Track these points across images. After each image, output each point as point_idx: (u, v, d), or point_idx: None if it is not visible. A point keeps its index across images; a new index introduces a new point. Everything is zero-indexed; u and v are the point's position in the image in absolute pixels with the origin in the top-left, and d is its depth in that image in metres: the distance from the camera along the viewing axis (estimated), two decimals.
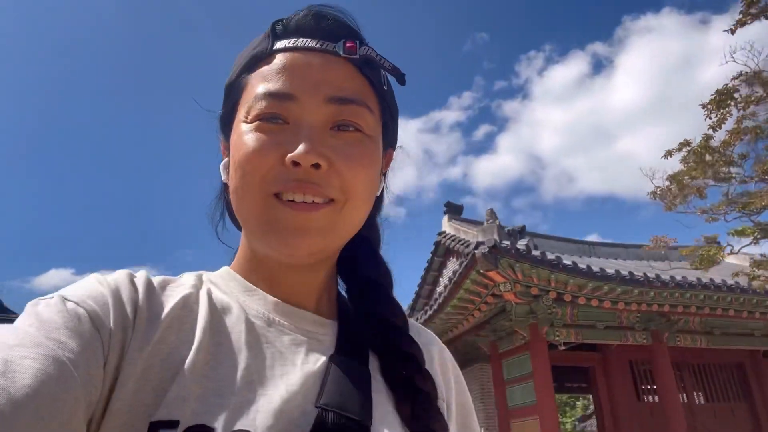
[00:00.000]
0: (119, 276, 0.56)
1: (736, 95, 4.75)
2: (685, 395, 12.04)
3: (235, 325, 0.56)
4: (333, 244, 0.59)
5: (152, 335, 0.52)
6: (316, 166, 0.54)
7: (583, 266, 8.82)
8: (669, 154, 5.43)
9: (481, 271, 8.38)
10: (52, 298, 0.50)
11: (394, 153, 0.71)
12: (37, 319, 0.47)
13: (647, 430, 11.03)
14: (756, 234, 4.89)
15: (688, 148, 5.49)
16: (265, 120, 0.56)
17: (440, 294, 10.29)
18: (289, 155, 0.54)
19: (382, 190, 0.68)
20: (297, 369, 0.56)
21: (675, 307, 9.61)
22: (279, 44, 0.59)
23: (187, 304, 0.56)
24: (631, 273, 9.01)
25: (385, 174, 0.68)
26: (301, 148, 0.53)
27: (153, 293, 0.55)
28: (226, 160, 0.63)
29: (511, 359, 10.44)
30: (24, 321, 0.48)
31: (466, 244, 12.22)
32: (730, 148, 5.09)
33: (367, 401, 0.55)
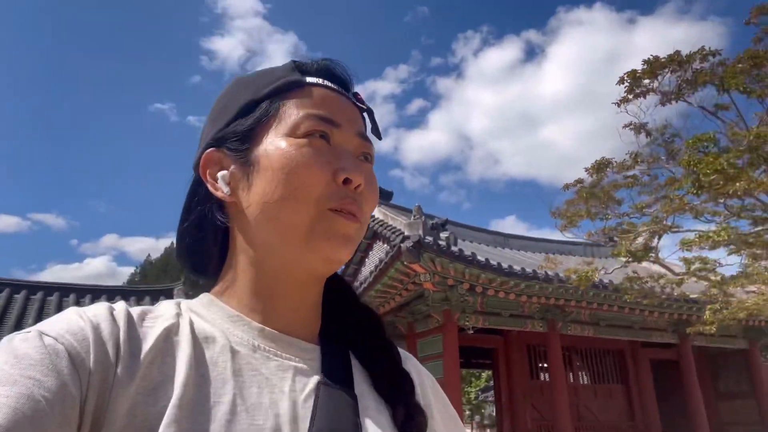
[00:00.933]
0: (99, 311, 0.54)
1: (612, 162, 5.79)
2: (572, 376, 13.77)
3: (219, 355, 0.56)
4: (351, 255, 0.62)
5: (136, 372, 0.50)
6: (358, 187, 0.61)
7: (494, 263, 9.94)
8: (566, 187, 6.43)
9: (405, 263, 9.33)
10: (30, 332, 0.49)
11: None
12: (13, 355, 0.46)
13: (537, 404, 12.62)
14: (628, 258, 6.02)
15: (581, 185, 6.59)
16: (315, 137, 0.60)
17: (365, 279, 11.19)
18: (345, 173, 0.59)
19: None
20: (285, 396, 0.56)
21: (568, 301, 11.07)
22: (310, 79, 0.65)
23: (169, 337, 0.55)
24: (534, 270, 10.25)
25: None
26: (354, 170, 0.60)
27: (133, 327, 0.54)
28: (225, 172, 0.63)
29: (426, 339, 11.56)
30: (0, 357, 0.46)
31: (393, 230, 13.18)
32: (610, 191, 6.18)
33: (357, 426, 0.56)
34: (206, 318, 0.60)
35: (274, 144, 0.60)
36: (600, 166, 5.74)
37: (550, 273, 10.13)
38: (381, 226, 14.05)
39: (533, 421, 12.58)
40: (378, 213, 14.98)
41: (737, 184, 4.10)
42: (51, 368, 0.46)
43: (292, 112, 0.62)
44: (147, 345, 0.53)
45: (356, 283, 14.40)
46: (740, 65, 4.63)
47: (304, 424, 0.54)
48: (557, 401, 11.47)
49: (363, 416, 0.58)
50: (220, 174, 0.63)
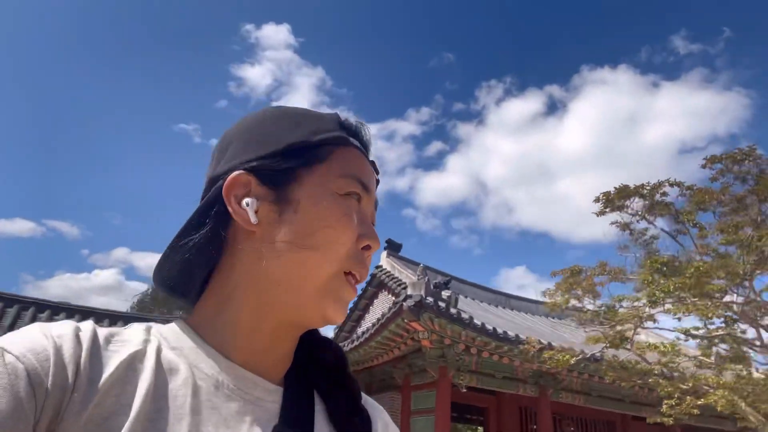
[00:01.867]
0: (64, 330, 0.52)
1: (583, 271, 6.47)
2: None
3: (180, 389, 0.54)
4: None
5: (91, 398, 0.49)
6: (371, 254, 0.64)
7: (489, 327, 10.45)
8: (554, 274, 7.07)
9: (406, 321, 9.90)
10: None
11: None
12: None
13: None
14: (606, 342, 6.54)
15: (563, 275, 7.25)
16: (353, 198, 0.64)
17: (368, 329, 11.73)
18: (367, 240, 0.63)
19: None
20: None
21: (560, 370, 11.45)
22: (353, 140, 0.68)
23: (132, 364, 0.54)
24: (528, 337, 10.72)
25: None
26: (375, 238, 0.63)
27: (97, 351, 0.53)
28: (253, 199, 0.61)
29: (420, 393, 11.98)
30: None
31: (398, 282, 13.81)
32: (591, 283, 6.80)
33: None
34: (174, 346, 0.58)
35: (319, 192, 0.61)
36: (573, 273, 6.38)
37: (543, 341, 10.60)
38: (388, 277, 14.72)
39: None
40: (386, 264, 15.66)
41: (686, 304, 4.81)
42: (9, 388, 0.45)
43: (339, 168, 0.63)
44: (108, 371, 0.51)
45: (360, 330, 14.95)
46: (696, 199, 5.39)
47: None
48: None
49: None
50: (248, 200, 0.60)
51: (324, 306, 0.59)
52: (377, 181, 0.70)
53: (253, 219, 0.60)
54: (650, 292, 5.50)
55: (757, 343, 5.77)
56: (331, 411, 0.64)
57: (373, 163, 0.70)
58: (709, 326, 6.29)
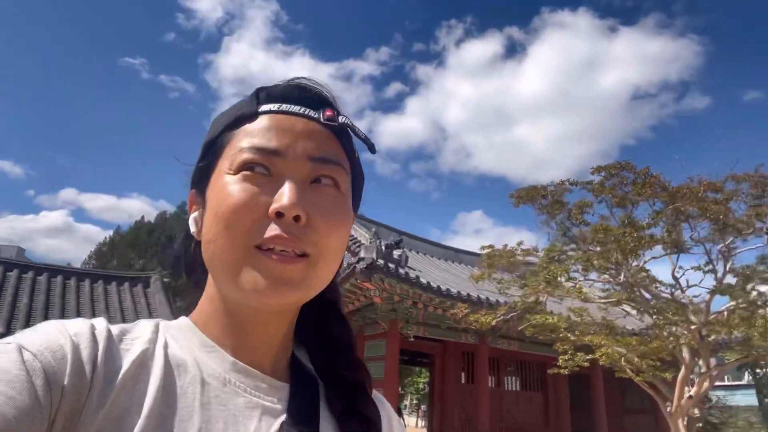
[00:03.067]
0: (81, 329, 0.53)
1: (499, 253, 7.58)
2: (498, 383, 15.71)
3: (189, 385, 0.55)
4: (305, 297, 0.58)
5: (108, 396, 0.50)
6: (297, 218, 0.55)
7: (434, 285, 11.64)
8: (483, 248, 8.09)
9: (358, 281, 10.96)
10: (9, 344, 0.49)
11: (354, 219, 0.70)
12: None
13: (464, 405, 14.51)
14: (522, 306, 7.80)
15: (489, 250, 8.37)
16: (249, 170, 0.57)
17: None
18: (273, 206, 0.55)
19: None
20: None
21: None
22: (264, 107, 0.61)
23: (143, 362, 0.55)
24: (468, 294, 11.99)
25: None
26: (285, 200, 0.55)
27: (112, 349, 0.54)
28: (196, 213, 0.63)
29: (372, 342, 13.25)
30: None
31: (354, 241, 14.84)
32: (510, 259, 7.96)
33: None
34: (182, 344, 0.59)
35: (215, 183, 0.59)
36: (490, 256, 7.53)
37: (482, 297, 11.88)
38: None
39: (459, 420, 14.46)
40: None
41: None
42: (26, 386, 0.45)
43: (233, 146, 0.59)
44: (122, 370, 0.53)
45: None
46: (580, 203, 6.76)
47: None
48: (480, 404, 13.36)
49: None
50: (192, 215, 0.63)
51: (245, 287, 0.55)
52: (345, 126, 0.62)
53: (193, 230, 0.63)
54: (543, 277, 6.79)
55: (634, 312, 7.11)
56: (334, 406, 0.63)
57: (327, 110, 0.62)
58: (599, 295, 7.75)
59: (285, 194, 0.56)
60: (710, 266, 7.03)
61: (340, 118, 0.62)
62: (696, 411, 7.47)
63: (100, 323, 0.56)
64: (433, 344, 14.53)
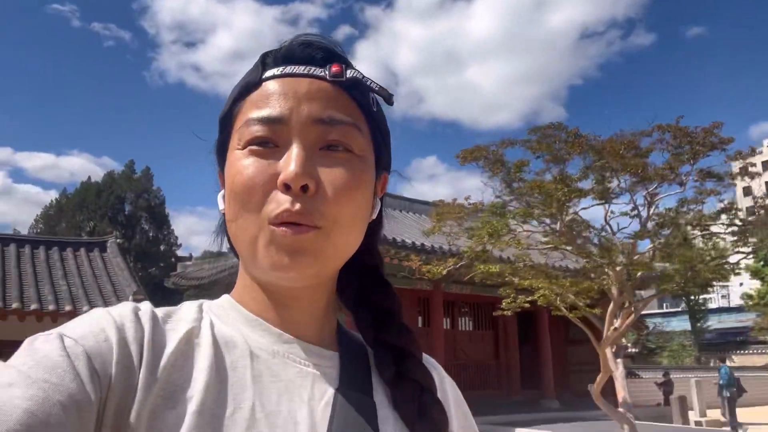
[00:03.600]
0: (124, 311, 0.54)
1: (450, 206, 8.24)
2: (452, 324, 16.77)
3: (239, 360, 0.56)
4: (325, 268, 0.57)
5: (158, 376, 0.51)
6: (305, 188, 0.53)
7: (389, 237, 12.23)
8: (434, 204, 8.65)
9: None
10: (51, 334, 0.49)
11: (389, 177, 0.70)
12: (33, 357, 0.46)
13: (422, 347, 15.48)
14: (472, 258, 8.51)
15: (440, 204, 9.03)
16: (256, 144, 0.56)
17: None
18: (280, 178, 0.54)
19: (380, 215, 0.66)
20: (304, 405, 0.55)
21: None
22: (268, 73, 0.59)
23: (190, 340, 0.55)
24: (422, 243, 12.66)
25: (382, 198, 0.66)
26: (290, 170, 0.53)
27: (158, 329, 0.54)
28: (223, 190, 0.61)
29: None
30: (19, 358, 0.47)
31: None
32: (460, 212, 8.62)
33: None
34: (226, 322, 0.59)
35: (230, 159, 0.58)
36: (472, 153, 8.15)
37: (435, 246, 12.57)
38: None
39: None
40: None
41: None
42: (69, 371, 0.46)
43: (241, 120, 0.58)
44: (170, 348, 0.53)
45: None
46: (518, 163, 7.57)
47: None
48: (435, 345, 14.33)
49: (382, 425, 0.58)
50: (220, 194, 0.62)
51: (263, 264, 0.55)
52: (350, 79, 0.58)
53: (221, 207, 0.62)
54: (486, 231, 7.54)
55: (572, 257, 7.94)
56: (384, 373, 0.62)
57: (333, 66, 0.58)
58: (540, 240, 8.61)
59: (290, 164, 0.54)
60: (636, 212, 7.92)
61: (348, 72, 0.58)
62: (623, 340, 8.45)
63: (145, 306, 0.57)
64: None
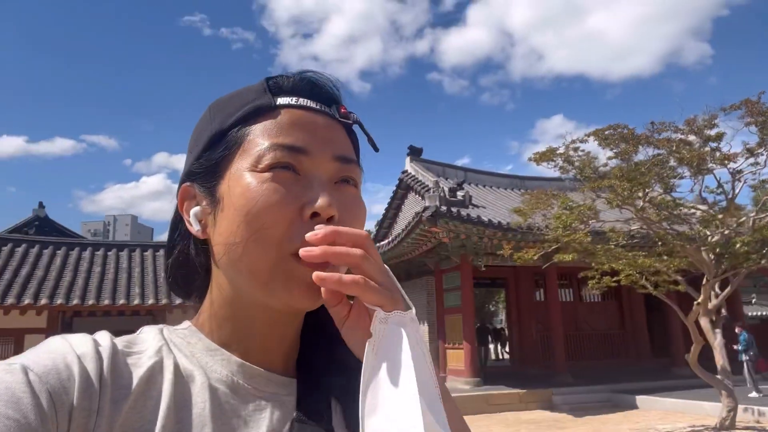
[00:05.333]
0: (86, 348, 0.52)
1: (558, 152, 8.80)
2: (574, 297, 17.15)
3: (198, 395, 0.54)
4: None
5: (117, 418, 0.49)
6: (331, 219, 0.54)
7: (495, 221, 13.05)
8: (533, 159, 9.24)
9: (426, 227, 12.61)
10: (14, 365, 0.48)
11: None
12: None
13: (538, 317, 16.19)
14: (565, 235, 9.08)
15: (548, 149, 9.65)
16: (280, 169, 0.55)
17: (398, 234, 14.56)
18: (311, 208, 0.53)
19: None
20: None
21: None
22: (281, 101, 0.58)
23: (152, 377, 0.53)
24: (528, 226, 13.28)
25: None
26: (321, 200, 0.53)
27: (118, 366, 0.52)
28: (197, 209, 0.60)
29: (449, 274, 15.04)
30: None
31: (422, 185, 16.46)
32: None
33: None
34: (186, 352, 0.58)
35: (237, 180, 0.56)
36: (545, 155, 8.73)
37: (542, 226, 13.17)
38: (413, 180, 17.40)
39: (537, 332, 16.19)
40: (410, 168, 18.19)
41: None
42: (32, 408, 0.44)
43: (256, 142, 0.56)
44: (130, 387, 0.51)
45: (395, 228, 17.92)
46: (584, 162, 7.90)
47: None
48: (553, 317, 14.94)
49: None
50: (192, 210, 0.60)
51: (278, 296, 0.54)
52: (356, 123, 0.61)
53: (196, 228, 0.60)
54: (560, 222, 8.22)
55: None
56: (319, 360, 0.63)
57: (340, 107, 0.61)
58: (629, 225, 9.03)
59: (320, 195, 0.54)
60: (720, 189, 8.13)
61: (351, 115, 0.61)
62: (723, 311, 8.64)
63: (104, 339, 0.54)
64: (506, 269, 16.08)
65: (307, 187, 0.55)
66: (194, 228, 0.60)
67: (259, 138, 0.57)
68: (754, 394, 11.03)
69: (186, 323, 0.63)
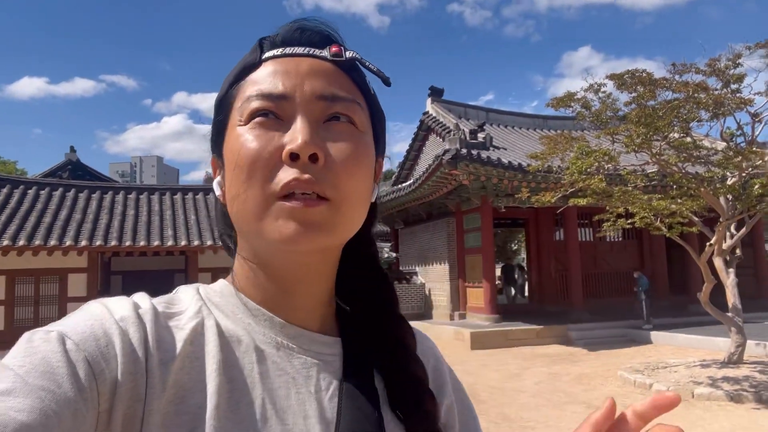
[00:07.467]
0: (126, 312, 0.52)
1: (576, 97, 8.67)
2: (594, 236, 17.32)
3: (245, 356, 0.55)
4: (333, 241, 0.55)
5: (167, 380, 0.49)
6: (314, 157, 0.52)
7: (515, 163, 13.15)
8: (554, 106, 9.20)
9: (446, 170, 12.79)
10: (51, 332, 0.47)
11: (383, 161, 0.68)
12: (31, 358, 0.44)
13: (557, 256, 16.49)
14: (582, 178, 9.17)
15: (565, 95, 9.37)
16: (260, 116, 0.55)
17: (419, 177, 14.77)
18: (287, 147, 0.52)
19: (374, 204, 0.65)
20: (312, 397, 0.56)
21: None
22: (268, 54, 0.59)
23: (196, 338, 0.54)
24: (548, 166, 13.33)
25: (377, 183, 0.64)
26: (298, 139, 0.52)
27: (161, 329, 0.53)
28: (219, 177, 0.61)
29: (469, 215, 15.32)
30: (16, 358, 0.45)
31: (443, 127, 16.52)
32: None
33: (380, 424, 0.57)
34: (228, 313, 0.58)
35: (231, 136, 0.57)
36: (562, 101, 8.72)
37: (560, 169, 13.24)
38: (433, 122, 17.51)
39: (555, 270, 16.53)
40: (431, 110, 18.21)
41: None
42: (68, 379, 0.44)
43: (240, 99, 0.57)
44: (176, 349, 0.52)
45: (417, 170, 18.12)
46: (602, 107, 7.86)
47: (331, 426, 0.55)
48: (570, 257, 15.24)
49: (384, 414, 0.59)
50: (216, 180, 0.62)
51: (271, 236, 0.53)
52: (353, 60, 0.59)
53: (218, 193, 0.61)
54: (576, 168, 8.28)
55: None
56: (392, 389, 0.62)
57: (333, 46, 0.59)
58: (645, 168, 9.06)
59: (297, 134, 0.53)
60: (740, 131, 8.09)
61: (347, 53, 0.59)
62: (738, 251, 8.80)
63: (144, 303, 0.55)
64: (526, 210, 16.26)
65: (289, 130, 0.54)
66: (217, 193, 0.62)
67: (243, 93, 0.57)
68: (646, 326, 13.43)
69: (221, 282, 0.63)
